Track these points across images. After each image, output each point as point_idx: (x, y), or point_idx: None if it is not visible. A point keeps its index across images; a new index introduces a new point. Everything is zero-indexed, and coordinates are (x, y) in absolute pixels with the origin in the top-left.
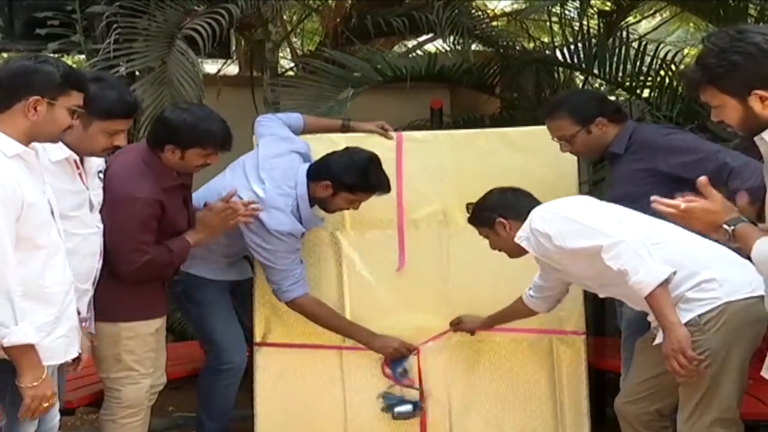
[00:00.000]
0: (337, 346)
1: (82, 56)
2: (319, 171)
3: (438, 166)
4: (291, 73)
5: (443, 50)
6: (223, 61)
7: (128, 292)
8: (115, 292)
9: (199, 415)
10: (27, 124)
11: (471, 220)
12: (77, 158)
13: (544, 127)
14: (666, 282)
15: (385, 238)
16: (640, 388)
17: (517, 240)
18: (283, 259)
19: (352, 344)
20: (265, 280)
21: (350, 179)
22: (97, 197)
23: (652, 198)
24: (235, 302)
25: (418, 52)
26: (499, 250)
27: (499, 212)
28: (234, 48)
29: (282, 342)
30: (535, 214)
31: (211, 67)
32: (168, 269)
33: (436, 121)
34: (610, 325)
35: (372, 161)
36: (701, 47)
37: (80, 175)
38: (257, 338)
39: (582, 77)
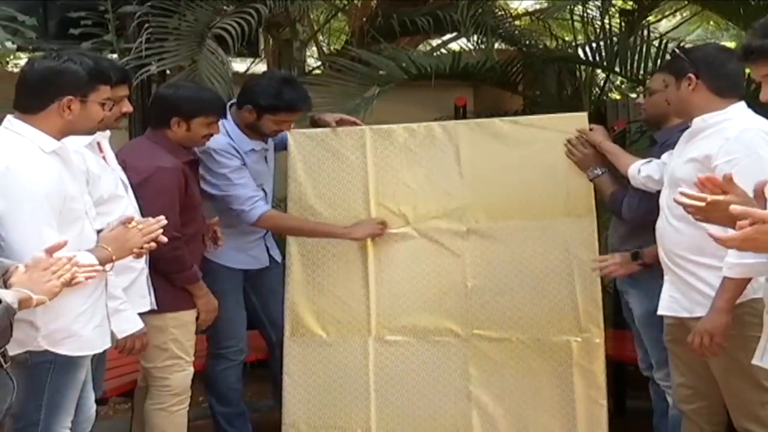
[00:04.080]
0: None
1: (115, 55)
2: (241, 98)
3: (454, 160)
4: (318, 71)
5: (467, 49)
6: (252, 59)
7: (171, 283)
8: (160, 283)
9: (209, 400)
10: (62, 122)
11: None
12: (99, 141)
13: (559, 115)
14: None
15: (406, 235)
16: (686, 388)
17: (718, 136)
18: (236, 175)
19: (377, 334)
20: (294, 276)
21: (266, 101)
22: (124, 178)
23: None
24: (257, 300)
25: (443, 50)
26: (650, 112)
27: (697, 68)
28: (262, 47)
29: (311, 333)
30: (753, 134)
31: (240, 65)
32: (174, 275)
33: (460, 118)
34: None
35: (285, 81)
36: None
37: (104, 157)
38: (287, 333)
39: (603, 75)
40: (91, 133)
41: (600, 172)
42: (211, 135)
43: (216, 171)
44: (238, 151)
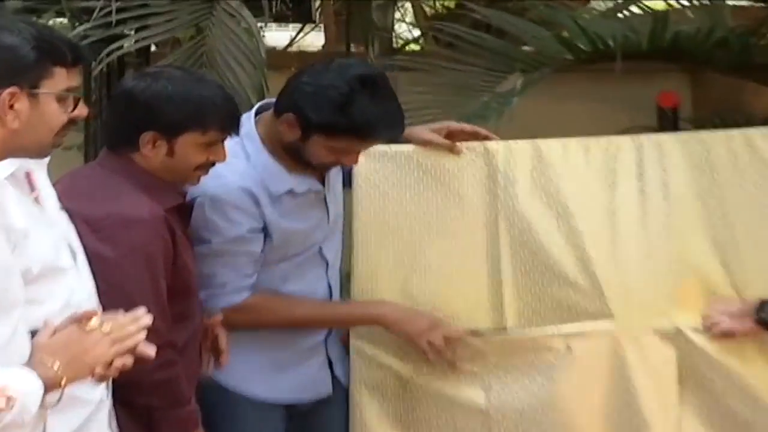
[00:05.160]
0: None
1: (62, 20)
2: (281, 100)
3: (663, 198)
4: (415, 46)
5: (679, 6)
6: (300, 26)
7: (152, 426)
8: (133, 426)
9: None
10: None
11: None
12: (30, 170)
13: None
14: None
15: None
16: None
17: None
18: (231, 247)
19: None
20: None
21: (321, 113)
22: (71, 233)
23: None
24: None
25: (634, 9)
26: None
27: None
28: (318, 7)
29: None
30: None
31: (279, 36)
32: (160, 413)
33: (667, 125)
34: None
35: (363, 81)
36: None
37: (36, 199)
38: None
39: None
40: (41, 154)
41: None
42: (211, 165)
43: (209, 217)
44: (258, 199)
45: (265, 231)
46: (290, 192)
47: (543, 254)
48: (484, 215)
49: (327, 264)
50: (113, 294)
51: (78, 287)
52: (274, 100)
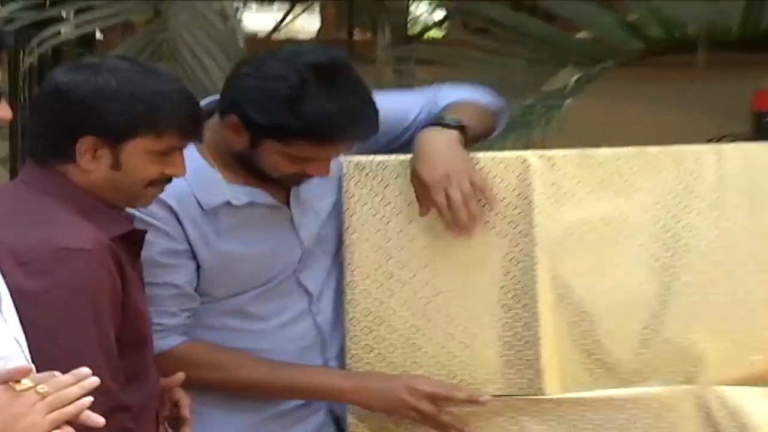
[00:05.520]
0: None
1: None
2: (223, 97)
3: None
4: (437, 33)
5: None
6: (288, 7)
7: None
8: None
9: None
10: None
11: None
12: None
13: None
14: None
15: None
16: None
17: None
18: (159, 258)
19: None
20: None
21: (266, 113)
22: None
23: None
24: None
25: None
26: None
27: None
28: None
29: None
30: None
31: (262, 19)
32: None
33: (765, 133)
34: None
35: (319, 71)
36: None
37: None
38: None
39: None
40: None
41: None
42: (167, 180)
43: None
44: (177, 214)
45: (194, 256)
46: (227, 205)
47: (595, 297)
48: (515, 247)
49: (310, 298)
50: (48, 345)
51: (5, 337)
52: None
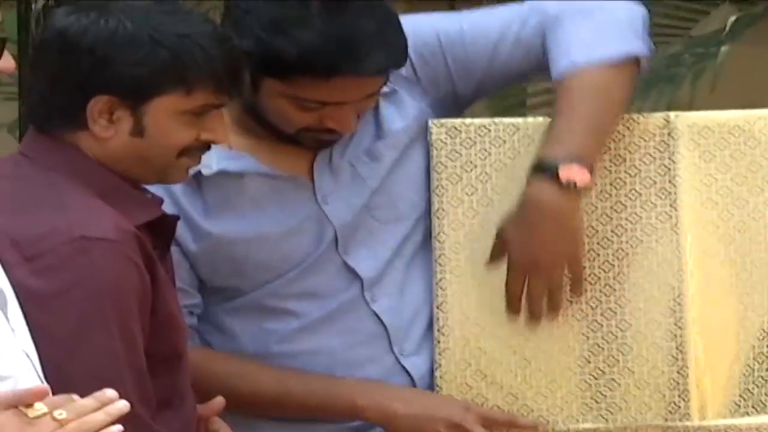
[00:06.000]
0: None
1: None
2: (223, 26)
3: None
4: None
5: None
6: None
7: None
8: None
9: None
10: None
11: None
12: None
13: None
14: None
15: None
16: None
17: None
18: None
19: None
20: None
21: (254, 42)
22: None
23: None
24: None
25: None
26: None
27: None
28: None
29: None
30: None
31: None
32: None
33: None
34: None
35: None
36: None
37: None
38: None
39: None
40: None
41: None
42: (205, 147)
43: None
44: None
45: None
46: (218, 175)
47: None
48: (655, 233)
49: (362, 282)
50: (65, 360)
51: (9, 353)
52: None
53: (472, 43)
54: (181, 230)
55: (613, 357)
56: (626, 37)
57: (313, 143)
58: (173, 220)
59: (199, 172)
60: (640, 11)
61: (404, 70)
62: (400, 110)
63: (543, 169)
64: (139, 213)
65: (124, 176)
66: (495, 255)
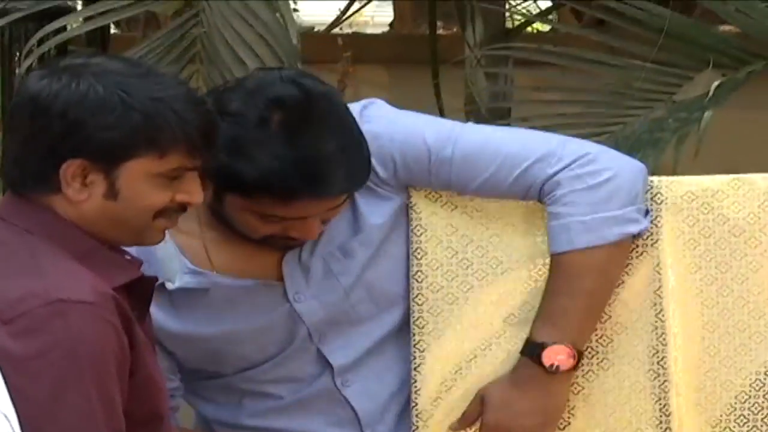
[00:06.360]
0: None
1: None
2: None
3: None
4: (542, 26)
5: None
6: None
7: None
8: None
9: None
10: None
11: None
12: None
13: None
14: None
15: None
16: None
17: None
18: None
19: None
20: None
21: (213, 160)
22: None
23: None
24: None
25: None
26: None
27: None
28: None
29: None
30: None
31: (321, 10)
32: None
33: None
34: None
35: (283, 107)
36: None
37: None
38: None
39: None
40: None
41: None
42: (181, 209)
43: None
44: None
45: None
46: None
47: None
48: (639, 297)
49: (332, 370)
50: (43, 422)
51: None
52: None
53: (461, 170)
54: (155, 328)
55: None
56: (627, 215)
57: (279, 246)
58: (151, 281)
59: (163, 284)
60: (642, 171)
61: (383, 173)
62: (379, 205)
63: (529, 350)
64: (117, 275)
65: (101, 238)
66: (469, 413)
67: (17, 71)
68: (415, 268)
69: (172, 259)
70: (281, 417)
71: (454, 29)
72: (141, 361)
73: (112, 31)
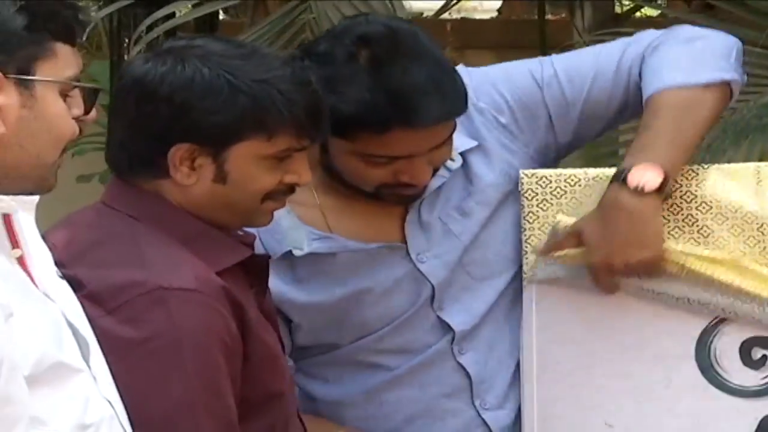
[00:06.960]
0: None
1: None
2: None
3: None
4: (652, 11)
5: None
6: None
7: None
8: None
9: None
10: None
11: None
12: (7, 213)
13: None
14: None
15: None
16: None
17: None
18: None
19: None
20: None
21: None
22: (78, 316)
23: None
24: None
25: None
26: None
27: None
28: None
29: None
30: None
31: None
32: None
33: None
34: None
35: (370, 43)
36: None
37: (20, 260)
38: None
39: None
40: (38, 184)
41: None
42: (290, 191)
43: None
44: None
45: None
46: (314, 254)
47: None
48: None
49: (453, 335)
50: (141, 408)
51: (95, 399)
52: None
53: (568, 80)
54: (278, 301)
55: None
56: (721, 65)
57: (395, 199)
58: (264, 258)
59: (290, 251)
60: (737, 43)
61: (504, 118)
62: (490, 164)
63: (616, 176)
64: (226, 256)
65: (209, 221)
66: (562, 243)
67: (126, 56)
68: (527, 233)
69: (298, 228)
70: (393, 389)
71: (563, 14)
72: (255, 345)
73: (221, 17)
